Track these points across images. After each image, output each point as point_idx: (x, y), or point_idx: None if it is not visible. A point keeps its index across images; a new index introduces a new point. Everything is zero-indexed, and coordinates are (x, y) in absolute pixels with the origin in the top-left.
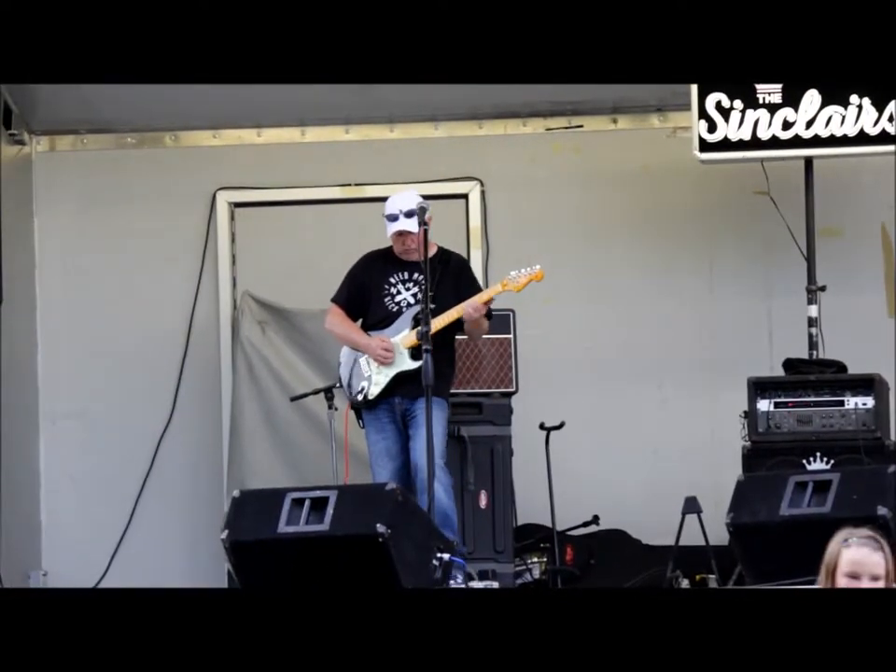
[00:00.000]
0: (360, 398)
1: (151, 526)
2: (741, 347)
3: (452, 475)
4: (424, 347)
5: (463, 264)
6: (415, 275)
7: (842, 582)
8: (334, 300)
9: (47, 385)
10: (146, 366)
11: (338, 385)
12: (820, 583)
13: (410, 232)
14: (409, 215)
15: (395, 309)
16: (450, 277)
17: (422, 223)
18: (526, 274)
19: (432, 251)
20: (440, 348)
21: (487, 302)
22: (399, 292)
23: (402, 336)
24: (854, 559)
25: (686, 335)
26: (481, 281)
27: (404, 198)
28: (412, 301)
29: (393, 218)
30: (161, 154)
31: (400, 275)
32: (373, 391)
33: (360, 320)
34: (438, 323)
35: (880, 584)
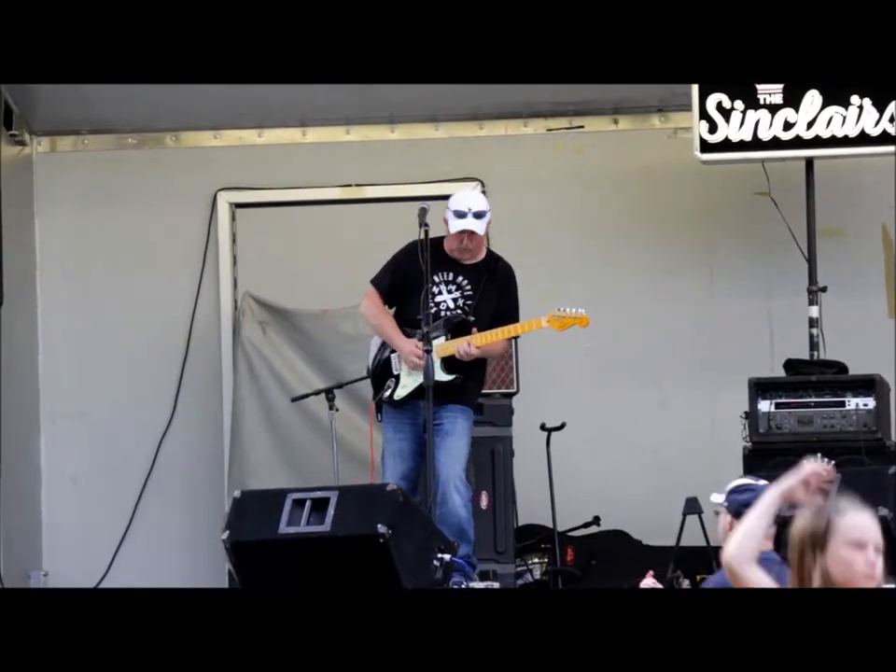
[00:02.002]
0: (386, 395)
1: (152, 527)
2: (742, 348)
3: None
4: (424, 348)
5: (508, 278)
6: (460, 279)
7: (843, 553)
8: (374, 283)
9: (47, 385)
10: (146, 366)
11: (365, 375)
12: (801, 565)
13: (475, 233)
14: (478, 216)
15: (434, 310)
16: (493, 290)
17: (422, 224)
18: (571, 316)
19: (482, 255)
20: (475, 359)
21: (510, 338)
22: (440, 292)
23: (437, 344)
24: (858, 525)
25: (687, 335)
26: None
27: (476, 198)
28: (451, 305)
29: (461, 215)
30: (162, 154)
31: (445, 275)
32: (400, 393)
33: (395, 308)
34: (477, 340)
35: (880, 563)
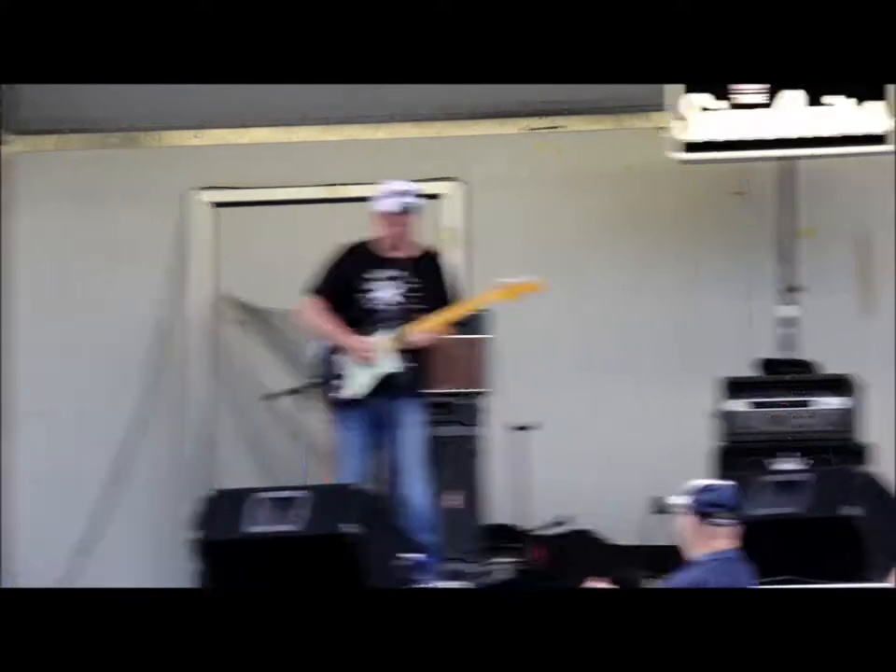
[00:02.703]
0: (340, 395)
1: (119, 526)
2: (716, 347)
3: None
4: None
5: (441, 265)
6: (397, 272)
7: None
8: (311, 291)
9: (14, 384)
10: (118, 364)
11: (315, 379)
12: None
13: (419, 208)
14: (414, 195)
15: (375, 307)
16: (431, 279)
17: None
18: (522, 283)
19: (413, 251)
20: (422, 350)
21: (449, 323)
22: (379, 289)
23: (389, 336)
24: None
25: (663, 335)
26: (463, 281)
27: (406, 183)
28: (391, 299)
29: (397, 195)
30: (144, 154)
31: (382, 272)
32: (358, 391)
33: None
34: (427, 325)
35: None
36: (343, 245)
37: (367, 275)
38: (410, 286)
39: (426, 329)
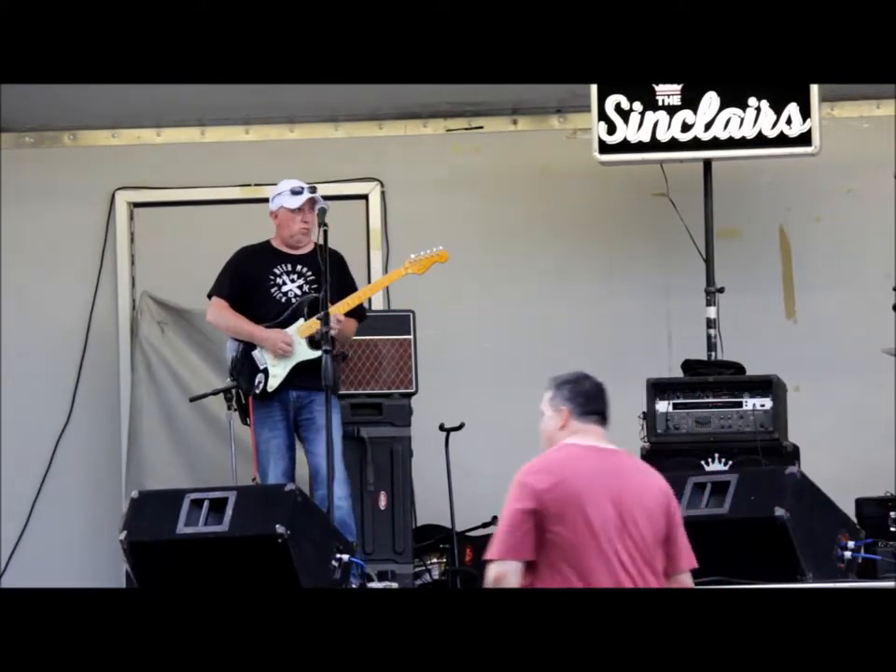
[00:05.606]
0: (258, 391)
1: (49, 527)
2: (640, 348)
3: (350, 477)
4: (324, 348)
5: (342, 261)
6: (299, 267)
7: None
8: (215, 294)
9: None
10: (44, 366)
11: (233, 379)
12: None
13: (315, 203)
14: (313, 190)
15: (283, 300)
16: (332, 273)
17: (321, 224)
18: (428, 255)
19: (311, 245)
20: (335, 339)
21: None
22: (284, 283)
23: (298, 326)
24: None
25: (585, 336)
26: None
27: (302, 181)
28: (298, 292)
29: (298, 192)
30: (60, 153)
31: (284, 266)
32: (272, 384)
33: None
34: (341, 308)
35: None
36: (241, 248)
37: (269, 272)
38: (313, 279)
39: (340, 312)
